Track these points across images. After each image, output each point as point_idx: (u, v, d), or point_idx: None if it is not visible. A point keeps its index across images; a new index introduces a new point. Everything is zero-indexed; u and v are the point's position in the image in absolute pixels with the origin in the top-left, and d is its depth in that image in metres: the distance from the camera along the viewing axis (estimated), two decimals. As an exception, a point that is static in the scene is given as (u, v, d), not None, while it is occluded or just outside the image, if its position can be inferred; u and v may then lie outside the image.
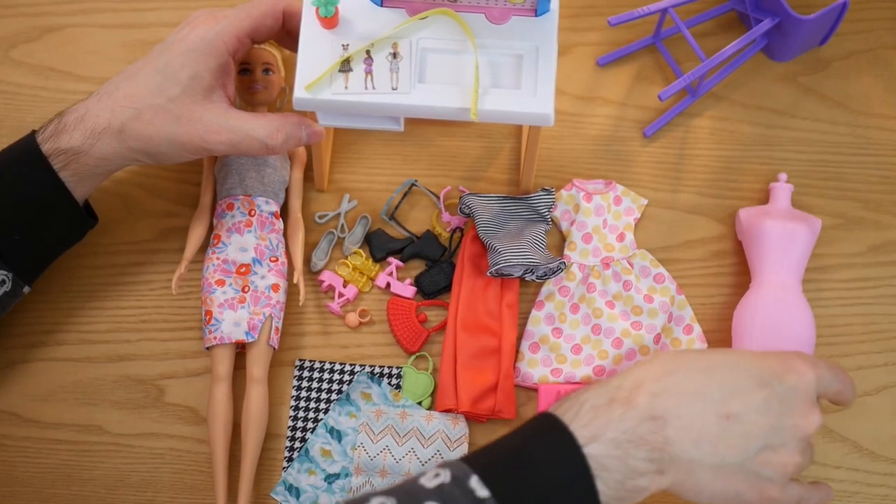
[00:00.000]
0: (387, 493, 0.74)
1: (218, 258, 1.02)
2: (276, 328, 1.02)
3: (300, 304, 1.03)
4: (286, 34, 1.00)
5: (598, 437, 0.75)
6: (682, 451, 0.75)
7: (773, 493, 0.79)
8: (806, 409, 0.78)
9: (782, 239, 1.00)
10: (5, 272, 0.95)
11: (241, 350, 1.03)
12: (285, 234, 1.05)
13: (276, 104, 1.08)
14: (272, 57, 1.06)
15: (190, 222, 1.05)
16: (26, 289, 0.98)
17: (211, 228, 1.05)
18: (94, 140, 0.94)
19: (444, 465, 0.76)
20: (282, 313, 1.03)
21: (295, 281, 1.02)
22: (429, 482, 0.74)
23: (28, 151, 0.94)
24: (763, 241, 1.01)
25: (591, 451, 0.75)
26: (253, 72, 1.04)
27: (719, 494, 0.78)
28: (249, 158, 1.03)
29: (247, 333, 1.00)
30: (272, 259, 1.03)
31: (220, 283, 1.02)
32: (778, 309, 0.99)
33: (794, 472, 0.79)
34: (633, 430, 0.75)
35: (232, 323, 1.00)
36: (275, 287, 1.02)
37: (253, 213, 1.03)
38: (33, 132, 0.95)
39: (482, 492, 0.73)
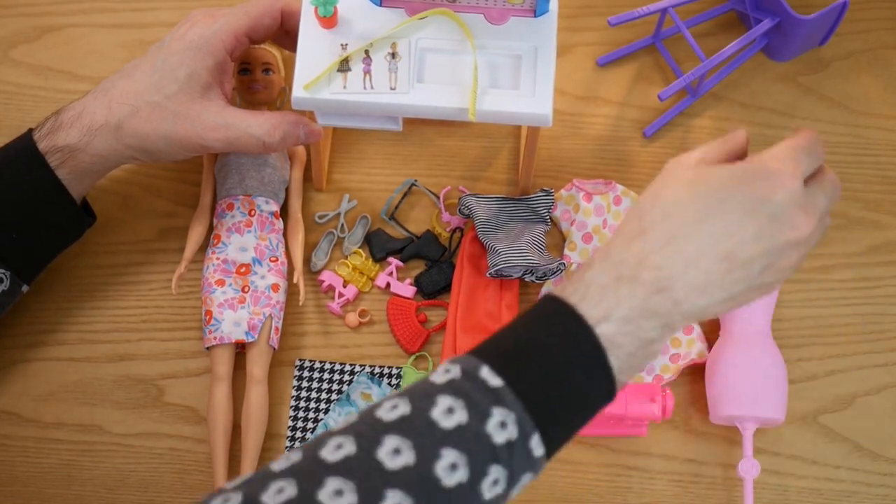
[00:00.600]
0: (399, 394, 0.73)
1: (218, 258, 1.02)
2: (276, 328, 1.02)
3: (300, 304, 1.03)
4: (284, 34, 1.00)
5: (609, 316, 0.75)
6: (692, 306, 0.76)
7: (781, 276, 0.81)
8: (797, 218, 0.77)
9: None
10: (3, 271, 0.95)
11: (241, 350, 1.03)
12: (285, 234, 1.05)
13: (276, 104, 1.08)
14: (272, 57, 1.06)
15: (190, 222, 1.05)
16: (25, 288, 0.98)
17: (211, 228, 1.05)
18: (90, 137, 0.94)
19: (452, 360, 0.75)
20: (282, 313, 1.03)
21: (295, 281, 1.02)
22: (439, 378, 0.73)
23: (25, 149, 0.94)
24: None
25: (603, 330, 0.74)
26: (253, 72, 1.04)
27: (729, 310, 0.80)
28: (249, 158, 1.03)
29: (247, 333, 1.00)
30: (272, 259, 1.03)
31: (220, 283, 1.02)
32: (750, 362, 0.99)
33: (798, 264, 0.80)
34: (642, 305, 0.75)
35: (232, 323, 1.00)
36: (275, 287, 1.02)
37: (253, 212, 1.03)
38: (30, 130, 0.95)
39: (495, 381, 0.72)
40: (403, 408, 0.72)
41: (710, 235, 0.76)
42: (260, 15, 0.96)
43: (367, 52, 0.91)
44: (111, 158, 0.96)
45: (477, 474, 0.70)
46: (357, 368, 1.03)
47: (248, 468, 0.98)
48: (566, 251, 1.05)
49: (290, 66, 1.07)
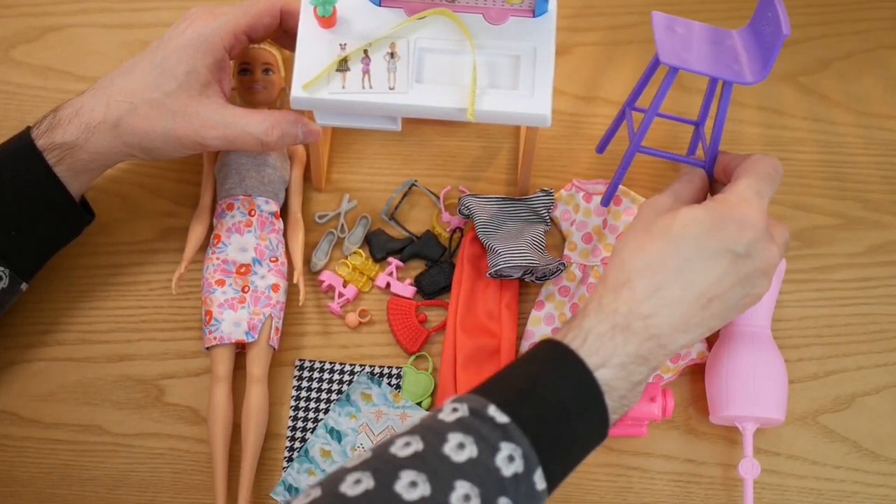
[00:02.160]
0: (410, 432, 0.77)
1: (218, 258, 1.02)
2: (276, 328, 1.02)
3: (300, 304, 1.03)
4: (283, 33, 1.00)
5: (606, 362, 0.81)
6: (675, 346, 0.83)
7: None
8: (766, 250, 0.84)
9: None
10: (2, 268, 0.95)
11: (241, 350, 1.03)
12: (285, 234, 1.05)
13: (276, 104, 1.08)
14: (272, 57, 1.06)
15: (190, 222, 1.05)
16: (24, 286, 0.98)
17: (211, 228, 1.05)
18: (88, 135, 0.94)
19: (458, 399, 0.79)
20: (282, 313, 1.03)
21: (295, 281, 1.02)
22: (447, 416, 0.77)
23: (23, 147, 0.94)
24: None
25: (601, 375, 0.80)
26: (253, 72, 1.05)
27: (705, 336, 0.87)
28: (249, 158, 1.03)
29: (247, 333, 1.00)
30: (272, 259, 1.03)
31: (220, 283, 1.02)
32: (750, 363, 0.99)
33: (770, 284, 0.87)
34: (636, 352, 0.81)
35: (232, 323, 1.00)
36: (275, 287, 1.02)
37: (253, 213, 1.03)
38: (28, 128, 0.95)
39: (502, 418, 0.76)
40: (416, 445, 0.75)
41: (690, 281, 0.82)
42: (259, 14, 0.96)
43: (366, 51, 0.91)
44: (109, 156, 0.96)
45: None
46: (357, 368, 1.03)
47: (247, 468, 0.98)
48: (566, 251, 1.05)
49: (289, 66, 1.07)
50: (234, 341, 1.00)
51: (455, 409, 0.78)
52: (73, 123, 0.94)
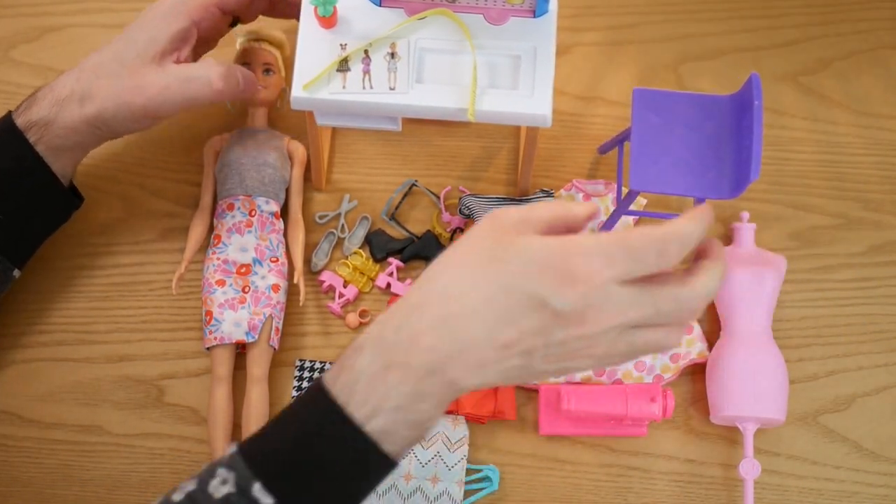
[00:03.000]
0: (182, 500, 0.74)
1: (218, 258, 1.02)
2: (277, 328, 1.02)
3: (300, 304, 1.03)
4: (270, 5, 1.02)
5: (378, 410, 0.73)
6: (469, 383, 0.73)
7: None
8: (588, 315, 0.70)
9: (750, 286, 1.00)
10: None
11: (241, 350, 1.03)
12: (285, 235, 1.05)
13: (276, 104, 1.08)
14: (272, 57, 1.06)
15: (190, 222, 1.05)
16: (16, 272, 0.98)
17: (211, 228, 1.05)
18: (58, 109, 0.94)
19: (230, 465, 0.74)
20: (282, 314, 1.03)
21: (295, 281, 1.02)
22: (217, 490, 0.74)
23: (4, 129, 0.95)
24: (730, 291, 1.01)
25: (373, 427, 0.73)
26: (253, 72, 1.04)
27: (514, 383, 0.76)
28: (249, 158, 1.03)
29: (247, 334, 1.00)
30: (272, 259, 1.03)
31: (221, 283, 1.02)
32: (751, 363, 0.99)
33: (601, 350, 0.73)
34: (414, 391, 0.72)
35: (232, 323, 1.00)
36: (275, 287, 1.02)
37: (253, 213, 1.03)
38: (9, 112, 0.96)
39: (266, 500, 0.73)
40: None
41: (489, 321, 0.71)
42: None
43: (366, 52, 0.91)
44: (79, 131, 0.96)
45: None
46: (357, 368, 1.03)
47: None
48: (566, 251, 1.05)
49: (289, 65, 1.07)
50: (234, 341, 1.00)
51: (224, 482, 0.74)
52: (47, 99, 0.95)
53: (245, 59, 1.05)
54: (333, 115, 0.94)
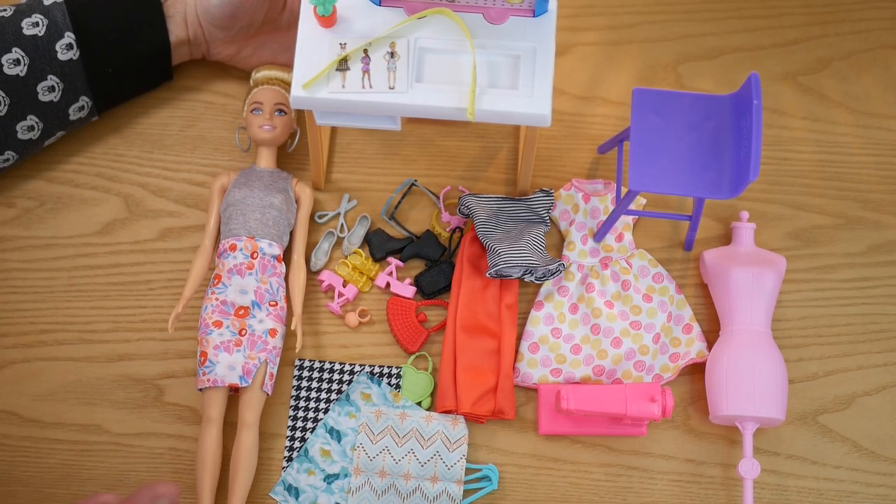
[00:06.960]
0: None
1: (217, 298, 1.01)
2: (271, 374, 1.00)
3: (296, 350, 1.02)
4: None
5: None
6: None
7: None
8: None
9: (750, 286, 1.00)
10: (87, 99, 1.04)
11: (233, 393, 1.02)
12: (286, 278, 1.04)
13: (286, 146, 1.08)
14: (284, 98, 1.05)
15: (190, 223, 1.05)
16: (95, 118, 1.08)
17: (211, 266, 1.04)
18: None
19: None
20: (277, 359, 1.02)
21: (293, 328, 1.01)
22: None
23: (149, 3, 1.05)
24: (730, 290, 1.01)
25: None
26: (264, 112, 1.04)
27: None
28: (255, 200, 1.02)
29: (241, 378, 0.99)
30: (271, 303, 1.02)
31: (218, 324, 1.01)
32: (751, 362, 0.99)
33: None
34: None
35: (227, 366, 0.99)
36: (272, 332, 1.01)
37: (255, 255, 1.02)
38: None
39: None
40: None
41: None
42: None
43: (365, 51, 0.92)
44: (189, 18, 1.05)
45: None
46: (357, 368, 1.03)
47: None
48: (565, 251, 1.05)
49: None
50: (227, 385, 0.99)
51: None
52: None
53: (257, 98, 1.05)
54: (333, 114, 0.94)
